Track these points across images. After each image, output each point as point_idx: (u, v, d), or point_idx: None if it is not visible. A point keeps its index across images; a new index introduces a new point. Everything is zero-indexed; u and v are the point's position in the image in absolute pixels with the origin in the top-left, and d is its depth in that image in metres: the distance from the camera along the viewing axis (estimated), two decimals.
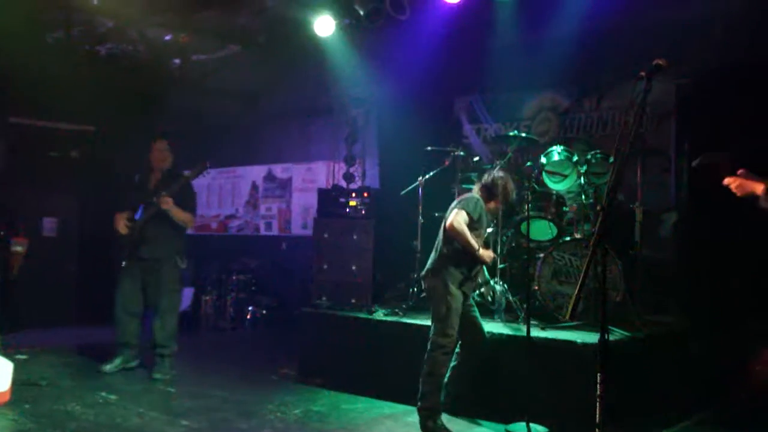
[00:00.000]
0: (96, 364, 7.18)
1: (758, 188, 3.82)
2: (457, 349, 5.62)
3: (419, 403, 5.36)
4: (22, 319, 9.56)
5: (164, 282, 7.05)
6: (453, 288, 5.37)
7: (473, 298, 6.41)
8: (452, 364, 5.61)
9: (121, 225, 6.98)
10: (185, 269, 7.40)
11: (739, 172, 3.94)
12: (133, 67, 10.29)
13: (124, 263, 7.06)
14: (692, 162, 5.02)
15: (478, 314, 5.70)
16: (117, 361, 7.08)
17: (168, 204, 6.84)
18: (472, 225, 5.40)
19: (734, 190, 3.93)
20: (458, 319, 5.40)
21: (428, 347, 5.39)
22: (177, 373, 6.99)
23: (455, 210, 5.40)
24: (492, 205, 5.65)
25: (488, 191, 5.62)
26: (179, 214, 6.99)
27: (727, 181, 3.95)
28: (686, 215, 7.14)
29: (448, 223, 5.38)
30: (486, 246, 5.74)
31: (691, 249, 6.98)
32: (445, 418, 5.43)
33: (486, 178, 5.69)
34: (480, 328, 5.65)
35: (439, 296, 5.40)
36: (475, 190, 5.69)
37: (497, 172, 5.72)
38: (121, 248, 7.08)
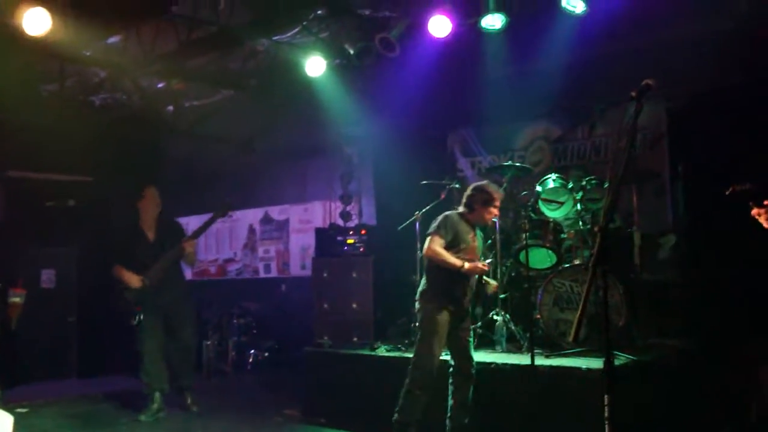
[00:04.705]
0: (97, 416, 7.17)
1: None
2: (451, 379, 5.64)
3: (395, 416, 5.52)
4: (23, 372, 9.49)
5: (187, 320, 7.31)
6: (436, 311, 5.50)
7: (476, 329, 6.42)
8: (450, 390, 5.62)
9: (135, 280, 6.95)
10: None
11: (766, 202, 4.13)
12: (128, 116, 10.35)
13: (141, 317, 7.01)
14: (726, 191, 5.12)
15: (470, 341, 5.68)
16: (155, 407, 7.04)
17: (193, 247, 7.19)
18: (452, 243, 5.51)
19: (763, 221, 4.12)
20: (441, 341, 5.51)
21: (409, 365, 5.58)
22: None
23: (428, 237, 5.57)
24: (474, 215, 5.69)
25: (467, 204, 5.73)
26: (193, 256, 7.37)
27: (755, 212, 4.14)
28: (684, 237, 7.13)
29: (424, 251, 5.60)
30: (482, 257, 5.79)
31: (691, 270, 6.96)
32: None
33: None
34: (467, 355, 5.63)
35: (421, 319, 5.61)
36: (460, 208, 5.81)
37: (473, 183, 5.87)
38: (132, 303, 7.00)
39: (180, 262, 7.30)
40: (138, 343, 7.06)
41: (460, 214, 5.70)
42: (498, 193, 5.75)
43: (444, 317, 5.51)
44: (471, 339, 5.71)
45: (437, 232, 5.52)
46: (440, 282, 5.57)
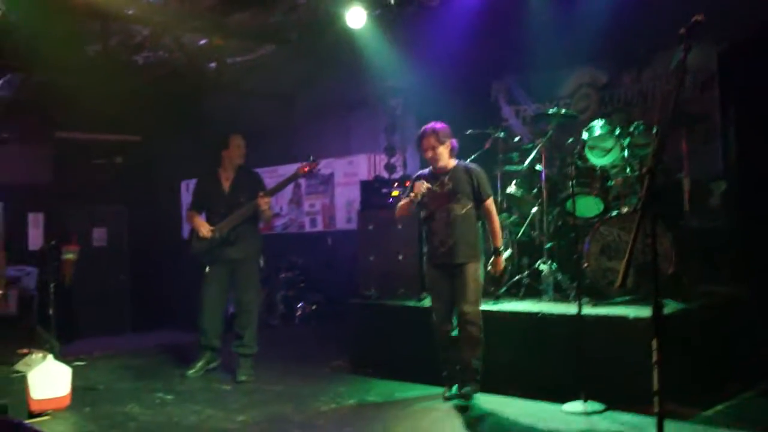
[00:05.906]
0: (151, 368, 7.36)
1: None
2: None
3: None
4: (79, 327, 9.77)
5: (251, 282, 6.99)
6: (425, 263, 5.91)
7: (521, 279, 6.43)
8: None
9: (205, 229, 6.79)
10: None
11: None
12: (171, 74, 10.42)
13: (208, 268, 6.93)
14: None
15: (467, 291, 5.56)
16: (200, 365, 7.04)
17: (267, 204, 6.76)
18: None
19: None
20: (434, 292, 5.83)
21: None
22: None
23: None
24: (431, 163, 5.86)
25: None
26: (269, 212, 7.03)
27: None
28: (735, 183, 6.96)
29: None
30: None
31: (742, 217, 6.80)
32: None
33: None
34: (457, 302, 5.62)
35: None
36: None
37: None
38: (200, 252, 6.90)
39: (256, 219, 7.01)
40: (201, 294, 6.98)
41: (429, 169, 5.91)
42: (419, 133, 5.81)
43: (429, 269, 5.83)
44: (459, 286, 5.58)
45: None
46: (424, 236, 5.90)
